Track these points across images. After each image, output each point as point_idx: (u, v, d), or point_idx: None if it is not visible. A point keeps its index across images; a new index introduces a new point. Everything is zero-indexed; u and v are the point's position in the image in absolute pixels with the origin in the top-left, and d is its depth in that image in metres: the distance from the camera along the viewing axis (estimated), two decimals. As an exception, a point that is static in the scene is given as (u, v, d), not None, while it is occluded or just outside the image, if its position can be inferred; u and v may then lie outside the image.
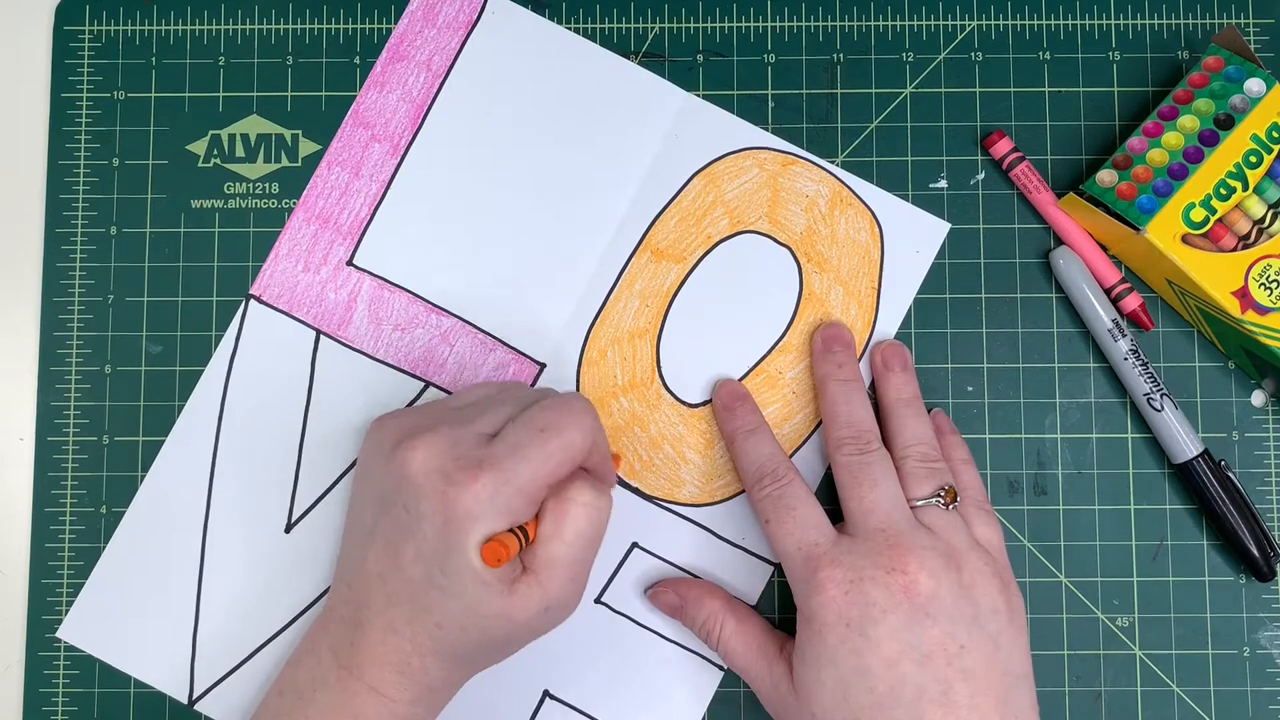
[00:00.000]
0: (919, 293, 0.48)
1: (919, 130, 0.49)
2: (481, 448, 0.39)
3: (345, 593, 0.41)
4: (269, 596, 0.47)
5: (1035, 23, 0.50)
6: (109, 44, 0.50)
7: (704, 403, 0.48)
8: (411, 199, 0.49)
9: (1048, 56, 0.50)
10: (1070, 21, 0.50)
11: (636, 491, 0.48)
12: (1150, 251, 0.45)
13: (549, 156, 0.49)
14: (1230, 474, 0.47)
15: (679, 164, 0.49)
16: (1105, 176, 0.46)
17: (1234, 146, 0.45)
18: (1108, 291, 0.48)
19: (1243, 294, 0.44)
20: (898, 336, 0.48)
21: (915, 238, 0.49)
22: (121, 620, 0.47)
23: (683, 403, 0.48)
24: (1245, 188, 0.45)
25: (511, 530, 0.39)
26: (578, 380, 0.48)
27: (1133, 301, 0.48)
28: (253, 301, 0.49)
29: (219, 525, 0.48)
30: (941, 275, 0.49)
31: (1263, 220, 0.45)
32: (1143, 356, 0.47)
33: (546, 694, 0.47)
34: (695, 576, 0.47)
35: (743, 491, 0.47)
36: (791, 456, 0.48)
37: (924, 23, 0.50)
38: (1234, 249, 0.45)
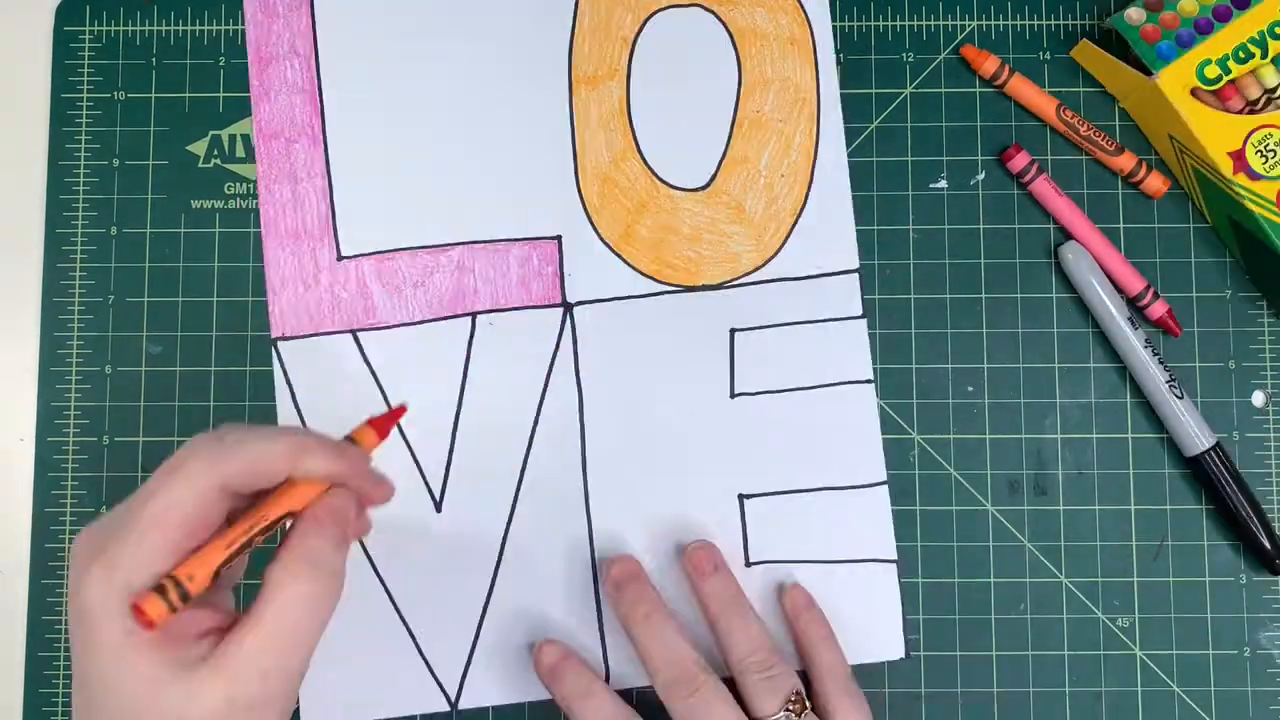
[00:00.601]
0: (917, 293, 0.49)
1: (919, 130, 0.49)
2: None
3: None
4: (455, 573, 0.47)
5: (1035, 23, 0.50)
6: (109, 44, 0.50)
7: (709, 180, 0.49)
8: (356, 171, 0.49)
9: (1048, 56, 0.50)
10: (1070, 22, 0.50)
11: (708, 287, 0.48)
12: (1158, 101, 0.46)
13: (451, 60, 0.50)
14: (1237, 468, 0.47)
15: None
16: (1134, 15, 0.47)
17: (1264, 13, 0.46)
18: (1136, 299, 0.48)
19: (1238, 156, 0.45)
20: (835, 53, 0.48)
21: None
22: (351, 681, 0.47)
23: (694, 190, 0.49)
24: (1264, 55, 0.46)
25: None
26: (595, 230, 0.49)
27: (1159, 308, 0.48)
28: (281, 343, 0.48)
29: (382, 554, 0.47)
30: (942, 275, 0.49)
31: (1274, 90, 0.46)
32: (1156, 350, 0.47)
33: None
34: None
35: (799, 215, 0.48)
36: (813, 169, 0.48)
37: (924, 23, 0.50)
38: (1240, 111, 0.46)
